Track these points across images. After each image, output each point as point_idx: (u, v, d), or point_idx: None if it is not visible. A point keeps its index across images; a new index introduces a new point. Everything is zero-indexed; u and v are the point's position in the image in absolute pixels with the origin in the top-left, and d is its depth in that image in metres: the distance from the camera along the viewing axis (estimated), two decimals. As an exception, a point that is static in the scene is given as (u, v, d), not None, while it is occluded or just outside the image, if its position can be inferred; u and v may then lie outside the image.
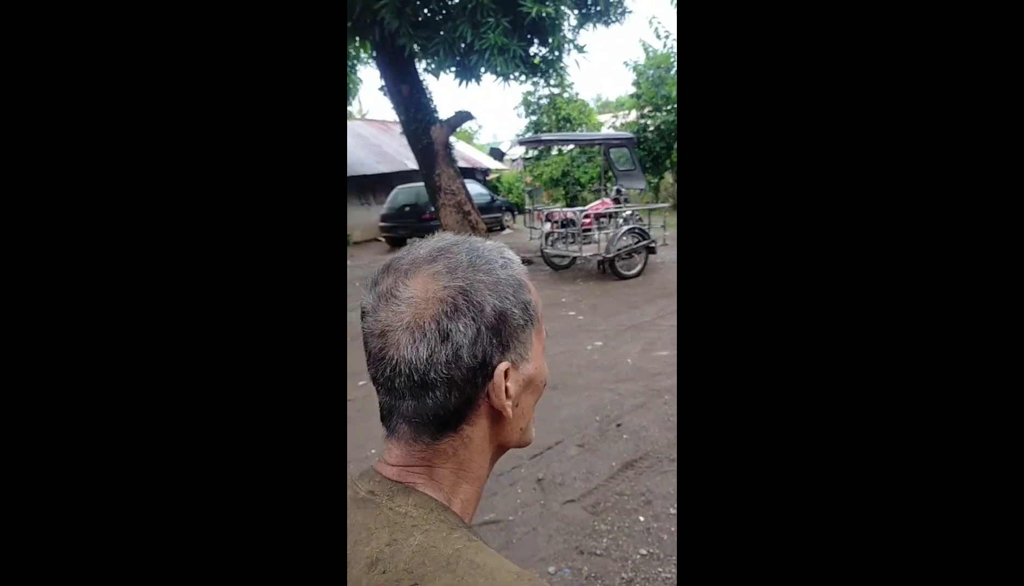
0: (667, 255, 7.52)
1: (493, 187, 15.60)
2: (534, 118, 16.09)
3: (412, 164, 9.53)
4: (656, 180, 13.64)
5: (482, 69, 6.80)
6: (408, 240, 0.56)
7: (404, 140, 9.21)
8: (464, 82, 7.34)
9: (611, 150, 8.05)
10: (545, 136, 8.97)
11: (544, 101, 15.83)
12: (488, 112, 64.26)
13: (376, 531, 0.45)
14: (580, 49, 7.69)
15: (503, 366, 0.47)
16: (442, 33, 6.60)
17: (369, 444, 3.02)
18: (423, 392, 0.46)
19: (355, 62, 10.44)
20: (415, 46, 6.84)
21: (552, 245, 7.60)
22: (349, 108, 11.39)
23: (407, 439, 0.48)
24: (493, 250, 0.50)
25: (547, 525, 2.31)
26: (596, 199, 9.19)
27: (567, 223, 7.58)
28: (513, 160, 18.87)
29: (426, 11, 6.82)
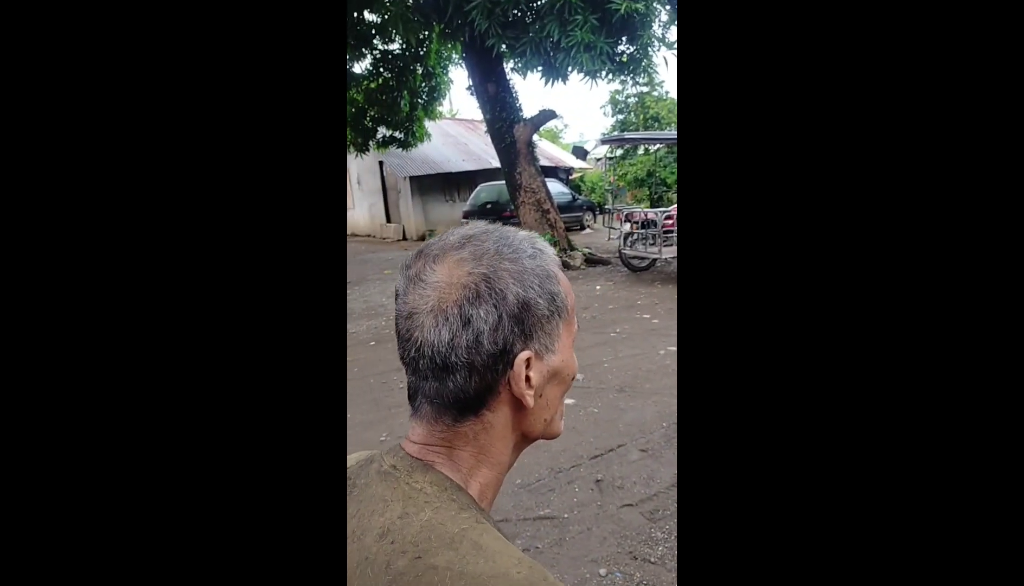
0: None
1: (575, 186, 15.50)
2: (621, 117, 15.80)
3: (496, 163, 9.69)
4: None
5: (568, 67, 6.79)
6: None
7: (489, 138, 9.39)
8: (550, 81, 7.36)
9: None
10: (628, 134, 8.81)
11: (632, 100, 15.50)
12: (575, 111, 63.74)
13: (392, 503, 0.46)
14: (670, 46, 7.46)
15: (524, 355, 0.47)
16: (530, 33, 6.66)
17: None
18: (444, 375, 0.47)
19: (447, 63, 10.77)
20: (503, 46, 6.95)
21: (631, 246, 7.45)
22: (440, 107, 11.72)
23: (429, 419, 0.49)
24: (524, 240, 0.50)
25: (602, 527, 2.30)
26: (681, 200, 8.85)
27: (648, 224, 7.40)
28: (597, 159, 18.64)
29: (515, 11, 6.90)
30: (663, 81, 15.90)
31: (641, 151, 14.74)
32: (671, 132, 12.27)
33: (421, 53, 10.06)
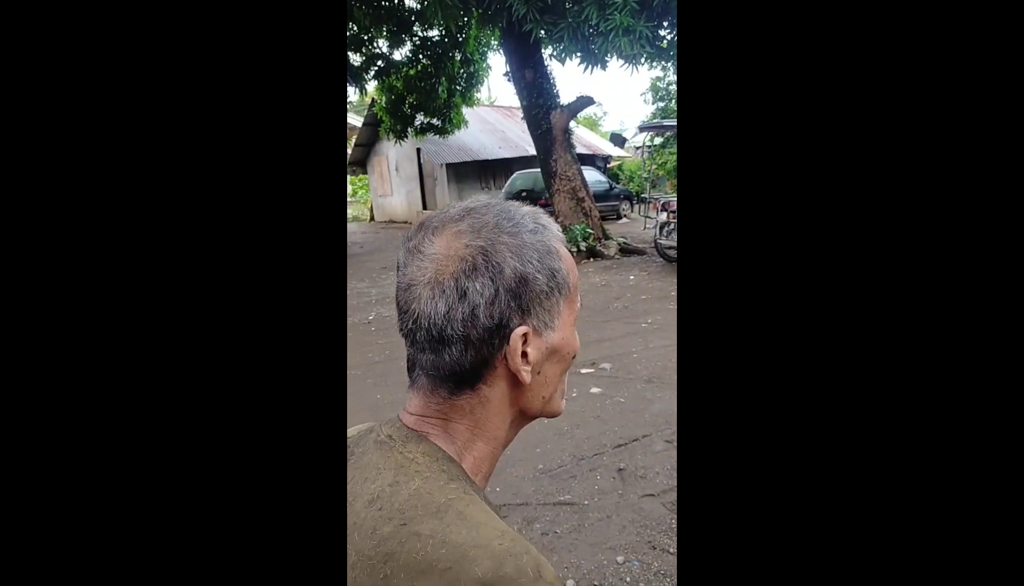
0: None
1: (613, 175, 15.28)
2: (662, 104, 15.44)
3: (533, 150, 9.64)
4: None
5: (607, 53, 6.67)
6: None
7: (526, 125, 9.33)
8: (589, 68, 7.25)
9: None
10: (666, 121, 8.60)
11: (673, 87, 15.13)
12: (615, 99, 62.59)
13: (384, 471, 0.47)
14: (714, 30, 7.20)
15: (521, 330, 0.47)
16: (568, 18, 6.56)
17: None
18: (440, 347, 0.47)
19: (485, 49, 10.74)
20: (541, 31, 6.87)
21: (667, 236, 7.32)
22: (477, 94, 11.71)
23: (426, 391, 0.50)
24: (526, 215, 0.50)
25: (622, 515, 2.29)
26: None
27: (685, 214, 7.22)
28: (637, 147, 18.30)
29: (554, -5, 6.83)
30: (707, 67, 15.38)
31: (682, 139, 14.34)
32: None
33: (460, 39, 10.05)
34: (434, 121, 11.16)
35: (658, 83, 15.39)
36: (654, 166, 14.94)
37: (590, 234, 8.26)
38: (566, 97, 8.64)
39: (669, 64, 8.28)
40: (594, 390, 3.56)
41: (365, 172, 18.13)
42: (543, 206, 9.51)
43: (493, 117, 16.05)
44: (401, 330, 0.50)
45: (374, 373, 4.15)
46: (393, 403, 3.57)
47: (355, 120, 16.36)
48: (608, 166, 15.85)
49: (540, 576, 0.41)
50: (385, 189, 16.66)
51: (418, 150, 14.13)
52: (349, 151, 16.60)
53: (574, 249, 8.11)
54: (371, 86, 10.81)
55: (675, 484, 2.48)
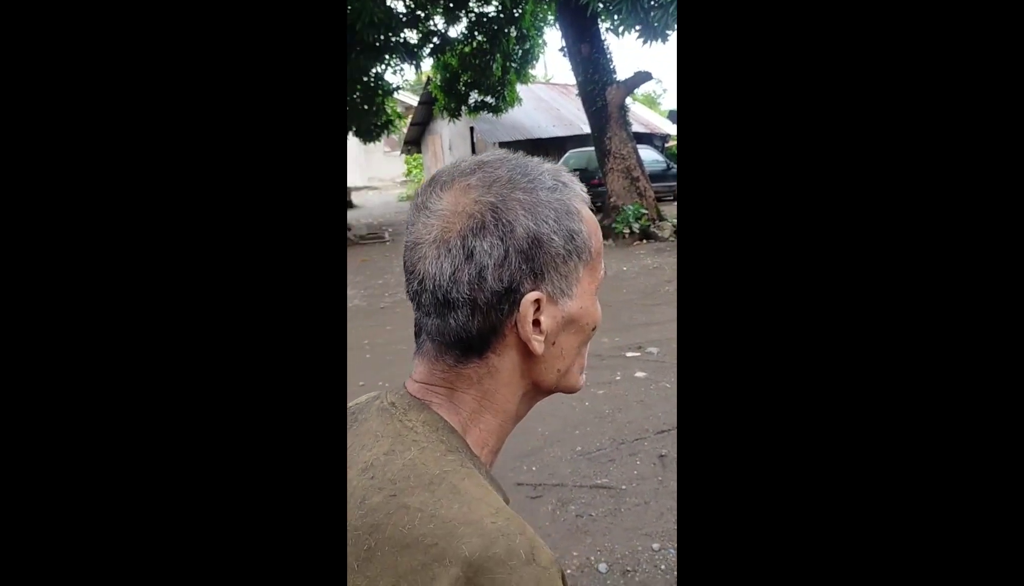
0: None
1: (671, 154, 14.78)
2: (726, 80, 14.71)
3: (588, 128, 9.42)
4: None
5: (668, 26, 6.37)
6: None
7: (581, 103, 9.12)
8: (648, 41, 6.96)
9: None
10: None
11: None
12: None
13: (382, 439, 0.44)
14: None
15: (533, 295, 0.43)
16: (627, -12, 6.31)
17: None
18: (446, 311, 0.43)
19: (541, 24, 10.52)
20: (599, 4, 6.64)
21: (725, 219, 7.02)
22: (532, 72, 11.54)
23: (431, 357, 0.47)
24: (545, 171, 0.46)
25: (660, 502, 2.23)
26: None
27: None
28: (697, 126, 17.58)
29: (612, -35, 6.56)
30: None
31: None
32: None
33: (515, 15, 9.89)
34: (488, 99, 11.08)
35: (723, 58, 14.63)
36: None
37: (644, 214, 8.04)
38: (623, 73, 8.39)
39: (734, 36, 7.83)
40: (639, 374, 3.48)
41: (419, 151, 18.33)
42: (596, 186, 9.28)
43: (548, 95, 15.82)
44: (408, 293, 0.47)
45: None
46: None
47: (411, 99, 16.50)
48: (667, 146, 15.32)
49: (533, 559, 0.38)
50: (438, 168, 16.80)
51: (471, 129, 14.14)
52: (404, 130, 16.78)
53: (626, 230, 7.92)
54: (426, 64, 10.86)
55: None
